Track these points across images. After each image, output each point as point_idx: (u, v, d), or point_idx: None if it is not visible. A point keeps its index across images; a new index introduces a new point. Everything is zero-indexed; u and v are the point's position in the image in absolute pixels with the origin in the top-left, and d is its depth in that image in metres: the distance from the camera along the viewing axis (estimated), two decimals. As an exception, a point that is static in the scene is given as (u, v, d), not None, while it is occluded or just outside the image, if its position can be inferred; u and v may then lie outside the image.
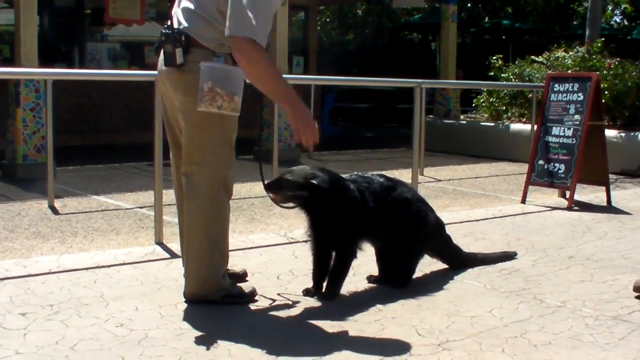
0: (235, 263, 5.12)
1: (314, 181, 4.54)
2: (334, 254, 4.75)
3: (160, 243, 6.15)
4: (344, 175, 4.87)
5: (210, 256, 4.46)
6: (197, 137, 4.40)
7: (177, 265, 5.46)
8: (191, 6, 4.41)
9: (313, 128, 4.29)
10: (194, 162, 4.42)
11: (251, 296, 4.59)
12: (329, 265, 4.75)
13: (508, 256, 5.91)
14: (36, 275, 5.04)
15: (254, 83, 4.29)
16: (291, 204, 4.66)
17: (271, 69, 4.26)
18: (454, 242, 5.61)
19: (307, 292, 4.75)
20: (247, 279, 5.01)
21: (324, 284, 4.77)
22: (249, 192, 9.15)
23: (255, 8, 4.13)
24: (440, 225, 5.41)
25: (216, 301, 4.47)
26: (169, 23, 4.42)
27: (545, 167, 8.73)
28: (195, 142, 4.41)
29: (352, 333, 4.10)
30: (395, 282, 5.02)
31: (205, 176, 4.43)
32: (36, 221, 7.14)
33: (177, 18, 4.45)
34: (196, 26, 4.35)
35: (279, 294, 4.74)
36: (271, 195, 4.65)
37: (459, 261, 5.58)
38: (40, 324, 4.13)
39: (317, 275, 4.79)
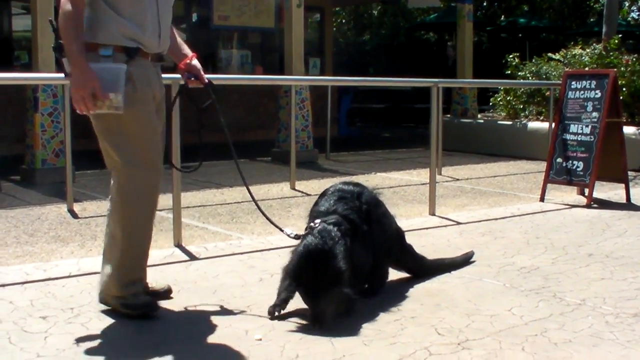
0: (156, 279, 4.88)
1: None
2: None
3: (179, 245, 6.16)
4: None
5: (115, 266, 4.35)
6: (101, 141, 4.35)
7: (196, 267, 5.49)
8: None
9: (85, 96, 4.01)
10: (109, 165, 4.39)
11: (144, 309, 4.33)
12: None
13: (468, 258, 5.77)
14: (56, 278, 5.07)
15: None
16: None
17: (70, 23, 4.05)
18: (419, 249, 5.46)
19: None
20: (171, 296, 4.74)
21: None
22: (267, 193, 9.16)
23: None
24: (401, 235, 5.25)
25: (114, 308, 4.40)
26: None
27: (564, 164, 8.70)
28: (102, 148, 4.37)
29: (371, 332, 4.10)
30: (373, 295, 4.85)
31: (117, 177, 4.35)
32: (56, 225, 7.16)
33: None
34: (87, 25, 4.24)
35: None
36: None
37: (424, 270, 5.35)
38: (61, 327, 4.15)
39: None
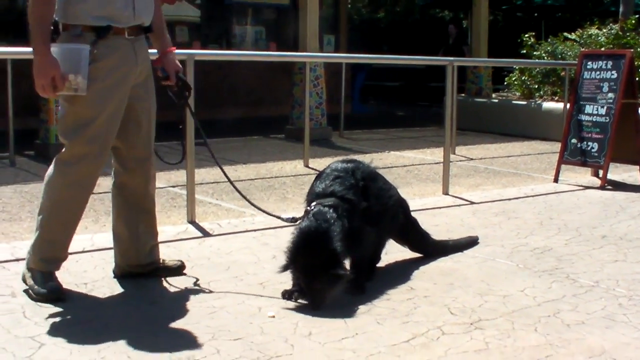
0: (169, 255, 4.95)
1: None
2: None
3: (192, 222, 6.18)
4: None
5: (40, 235, 4.31)
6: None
7: (210, 244, 5.51)
8: None
9: (45, 84, 3.99)
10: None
11: (51, 295, 4.20)
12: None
13: (473, 241, 5.69)
14: (70, 253, 5.06)
15: None
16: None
17: (35, 7, 4.02)
18: (424, 227, 5.41)
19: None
20: (184, 272, 4.75)
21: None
22: (280, 171, 9.16)
23: None
24: (404, 206, 5.20)
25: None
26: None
27: (578, 145, 8.67)
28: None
29: (384, 311, 4.11)
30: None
31: (61, 156, 4.32)
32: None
33: None
34: (58, 5, 4.19)
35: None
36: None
37: (429, 249, 5.32)
38: (75, 302, 4.17)
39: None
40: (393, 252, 5.16)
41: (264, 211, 5.12)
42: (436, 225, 6.21)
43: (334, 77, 14.03)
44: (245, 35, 16.84)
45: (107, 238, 5.54)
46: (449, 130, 8.19)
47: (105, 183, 7.94)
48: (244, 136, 12.50)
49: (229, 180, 5.10)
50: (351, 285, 4.36)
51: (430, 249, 5.30)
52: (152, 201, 4.66)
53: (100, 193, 7.46)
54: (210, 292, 4.40)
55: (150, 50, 4.65)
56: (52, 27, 4.15)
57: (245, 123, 13.92)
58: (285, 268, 4.23)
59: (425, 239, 5.30)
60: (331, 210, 4.34)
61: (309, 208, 4.46)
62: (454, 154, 10.69)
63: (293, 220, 4.65)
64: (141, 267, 4.62)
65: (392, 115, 17.97)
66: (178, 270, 4.72)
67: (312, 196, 4.61)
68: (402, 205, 5.12)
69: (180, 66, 4.76)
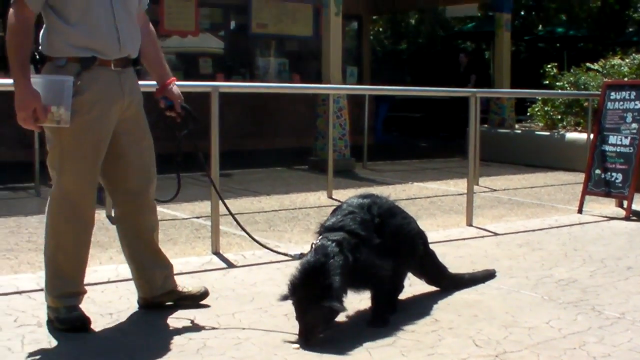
0: (191, 283, 4.95)
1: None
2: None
3: (217, 253, 6.20)
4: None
5: (50, 272, 4.33)
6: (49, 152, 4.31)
7: (234, 275, 5.52)
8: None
9: (26, 117, 3.97)
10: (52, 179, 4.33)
11: (74, 324, 4.22)
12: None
13: (490, 274, 5.60)
14: (95, 284, 5.10)
15: None
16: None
17: (13, 38, 4.01)
18: (443, 260, 5.35)
19: None
20: (208, 302, 4.74)
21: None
22: (304, 202, 9.18)
23: None
24: (424, 239, 5.09)
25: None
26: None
27: (602, 176, 8.64)
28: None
29: (408, 343, 4.10)
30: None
31: (53, 190, 4.30)
32: (94, 231, 7.19)
33: None
34: (42, 35, 4.22)
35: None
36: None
37: (445, 282, 5.23)
38: (100, 333, 4.19)
39: None
40: (417, 284, 5.15)
41: (269, 249, 5.16)
42: (460, 256, 6.21)
43: (357, 109, 14.07)
44: (269, 66, 16.93)
45: (132, 269, 5.58)
46: (473, 161, 8.18)
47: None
48: (267, 167, 12.54)
49: (229, 212, 5.10)
50: (372, 318, 4.40)
51: (447, 283, 5.24)
52: (150, 232, 4.61)
53: (125, 224, 7.50)
54: (236, 323, 4.41)
55: (150, 82, 4.68)
56: (37, 57, 4.18)
57: (269, 154, 13.97)
58: (284, 299, 4.22)
59: (442, 272, 5.23)
60: (334, 245, 4.29)
61: (314, 243, 4.44)
62: (478, 185, 10.67)
63: (301, 256, 4.57)
64: (158, 297, 4.62)
65: (415, 146, 17.96)
66: (201, 297, 4.72)
67: (321, 230, 4.58)
68: (422, 237, 5.05)
69: (182, 96, 4.72)
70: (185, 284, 4.78)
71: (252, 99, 14.86)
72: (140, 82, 4.60)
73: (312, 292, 4.11)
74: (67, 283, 4.30)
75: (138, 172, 4.46)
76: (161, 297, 4.63)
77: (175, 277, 4.74)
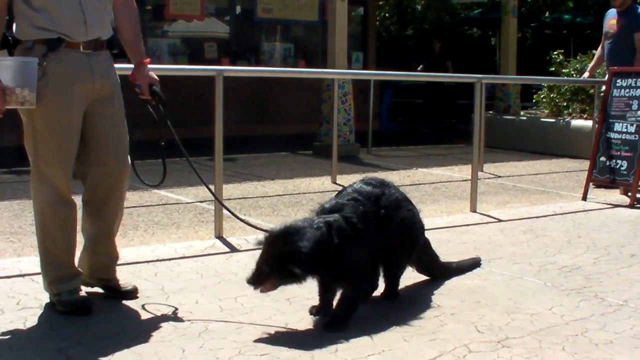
0: (130, 279, 4.80)
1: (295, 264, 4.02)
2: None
3: (220, 237, 6.19)
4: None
5: (42, 258, 4.33)
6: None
7: (237, 259, 5.52)
8: None
9: None
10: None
11: (76, 307, 4.22)
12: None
13: (476, 263, 5.50)
14: (98, 267, 5.10)
15: None
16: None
17: None
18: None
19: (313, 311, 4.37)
20: (137, 295, 4.58)
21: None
22: (308, 187, 9.17)
23: None
24: (422, 227, 4.92)
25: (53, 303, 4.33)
26: None
27: (607, 163, 8.63)
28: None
29: (411, 328, 4.10)
30: (390, 298, 4.69)
31: (32, 173, 4.28)
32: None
33: None
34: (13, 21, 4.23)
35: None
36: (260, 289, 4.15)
37: (437, 271, 5.14)
38: (102, 316, 4.19)
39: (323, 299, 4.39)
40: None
41: (252, 225, 5.10)
42: (463, 242, 6.20)
43: (362, 94, 14.06)
44: (274, 52, 16.90)
45: (135, 252, 5.59)
46: (477, 148, 8.17)
47: (132, 197, 8.02)
48: (272, 152, 12.53)
49: (210, 191, 5.17)
50: (331, 319, 4.20)
51: (438, 272, 5.15)
52: (111, 220, 4.53)
53: (129, 207, 7.51)
54: (238, 307, 4.41)
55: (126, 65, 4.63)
56: (11, 41, 4.17)
57: (274, 139, 13.96)
58: (258, 244, 4.18)
59: (434, 261, 5.12)
60: (322, 222, 4.18)
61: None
62: (482, 171, 10.65)
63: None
64: (91, 279, 4.57)
65: (420, 133, 17.93)
66: (130, 294, 4.57)
67: (319, 210, 4.45)
68: (422, 232, 4.92)
69: (156, 78, 4.63)
70: (192, 270, 4.74)
71: (257, 84, 14.85)
72: (117, 65, 4.56)
73: (281, 248, 4.05)
74: (59, 267, 4.30)
75: (110, 156, 4.39)
76: (95, 281, 4.58)
77: (178, 260, 4.71)
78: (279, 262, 4.03)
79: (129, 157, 4.52)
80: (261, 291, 4.13)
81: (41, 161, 4.20)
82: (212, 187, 6.46)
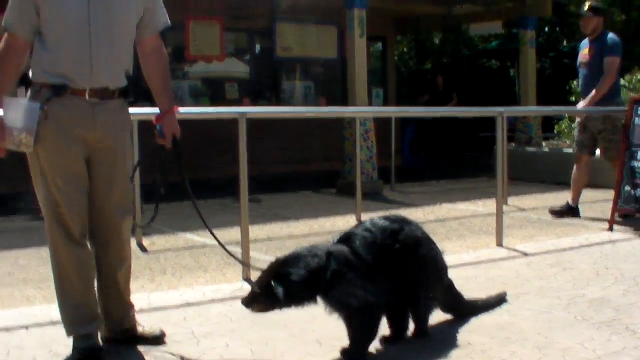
0: (151, 325, 4.78)
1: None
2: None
3: (248, 279, 6.21)
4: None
5: (60, 303, 4.34)
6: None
7: (266, 302, 5.51)
8: None
9: None
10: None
11: (84, 355, 4.23)
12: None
13: (502, 299, 5.46)
14: (128, 313, 5.13)
15: None
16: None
17: None
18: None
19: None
20: (164, 341, 4.62)
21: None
22: (333, 226, 9.18)
23: None
24: (446, 267, 4.89)
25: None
26: None
27: (632, 193, 8.60)
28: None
29: (442, 368, 4.10)
30: (420, 337, 4.65)
31: (44, 216, 4.31)
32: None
33: None
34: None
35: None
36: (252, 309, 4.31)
37: (463, 310, 5.09)
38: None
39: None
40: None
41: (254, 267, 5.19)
42: (491, 278, 6.20)
43: (383, 130, 14.08)
44: (295, 90, 16.97)
45: (164, 297, 5.62)
46: (501, 182, 8.16)
47: (159, 241, 8.06)
48: (296, 192, 12.55)
49: (211, 232, 5.12)
50: (343, 357, 4.28)
51: (464, 311, 5.10)
52: (115, 269, 4.50)
53: (156, 252, 7.57)
54: (269, 350, 4.42)
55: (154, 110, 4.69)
56: (28, 80, 4.21)
57: (297, 178, 13.99)
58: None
59: (459, 300, 5.07)
60: (322, 251, 4.26)
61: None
62: (506, 204, 10.62)
63: None
64: (114, 334, 4.57)
65: (443, 167, 17.91)
66: (156, 340, 4.59)
67: (332, 240, 4.49)
68: (445, 268, 4.88)
69: (179, 129, 4.63)
70: (221, 314, 4.76)
71: (279, 123, 14.91)
72: (141, 110, 4.56)
73: (275, 273, 4.18)
74: (77, 308, 4.29)
75: (110, 206, 4.38)
76: (117, 334, 4.56)
77: (207, 305, 4.73)
78: (270, 286, 4.13)
79: (131, 206, 4.52)
80: (252, 311, 4.26)
81: (48, 202, 4.22)
82: (238, 229, 6.51)
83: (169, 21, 4.56)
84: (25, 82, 4.29)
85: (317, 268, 4.17)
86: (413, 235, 4.56)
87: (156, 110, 4.66)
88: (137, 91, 4.70)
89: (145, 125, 4.66)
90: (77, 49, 4.13)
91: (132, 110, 4.64)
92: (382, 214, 5.49)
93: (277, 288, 4.10)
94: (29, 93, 4.23)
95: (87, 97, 4.19)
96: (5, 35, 4.16)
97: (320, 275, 4.16)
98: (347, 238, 4.40)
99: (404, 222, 4.62)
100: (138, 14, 4.36)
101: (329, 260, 4.21)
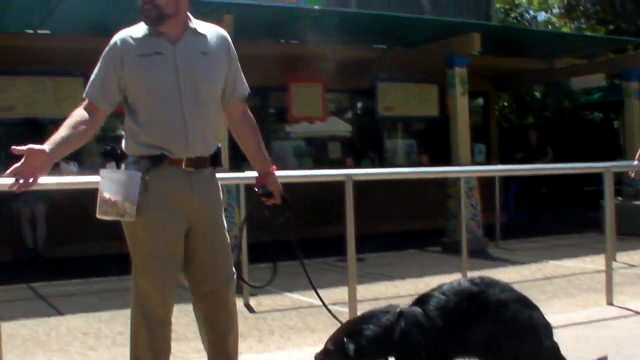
0: None
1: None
2: None
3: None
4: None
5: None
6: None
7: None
8: None
9: (25, 178, 3.87)
10: None
11: None
12: None
13: None
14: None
15: None
16: None
17: (69, 119, 4.12)
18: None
19: None
20: None
21: None
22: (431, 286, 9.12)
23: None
24: (548, 329, 4.47)
25: None
26: None
27: None
28: None
29: None
30: None
31: (132, 284, 4.33)
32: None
33: None
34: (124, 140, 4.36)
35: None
36: None
37: None
38: None
39: None
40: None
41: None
42: (602, 338, 6.07)
43: (487, 187, 14.00)
44: (397, 148, 17.01)
45: (272, 358, 5.65)
46: (610, 238, 8.02)
47: (266, 302, 8.13)
48: (400, 250, 12.53)
49: (322, 301, 5.15)
50: None
51: None
52: (222, 335, 4.49)
53: (263, 312, 7.63)
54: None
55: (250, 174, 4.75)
56: (118, 154, 4.28)
57: (401, 237, 13.98)
58: None
59: None
60: (394, 310, 4.28)
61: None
62: (615, 260, 10.42)
63: None
64: None
65: (548, 222, 17.67)
66: None
67: (414, 299, 4.46)
68: (547, 331, 4.49)
69: (281, 187, 4.66)
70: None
71: (383, 182, 14.95)
72: (239, 174, 4.60)
73: (347, 330, 4.33)
74: None
75: (211, 274, 4.38)
76: None
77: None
78: (342, 342, 4.20)
79: (233, 271, 4.51)
80: None
81: (139, 273, 4.26)
82: (344, 288, 6.53)
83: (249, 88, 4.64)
84: (112, 155, 4.32)
85: (386, 326, 4.20)
86: (495, 299, 4.33)
87: (255, 174, 4.70)
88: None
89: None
90: (171, 122, 4.19)
91: (235, 174, 4.72)
92: (487, 272, 5.46)
93: (348, 345, 4.15)
94: (122, 167, 4.28)
95: (183, 165, 4.24)
96: (85, 102, 4.24)
97: (389, 334, 4.17)
98: (422, 299, 4.36)
99: (488, 284, 4.41)
100: (221, 81, 4.42)
101: (399, 319, 4.21)
